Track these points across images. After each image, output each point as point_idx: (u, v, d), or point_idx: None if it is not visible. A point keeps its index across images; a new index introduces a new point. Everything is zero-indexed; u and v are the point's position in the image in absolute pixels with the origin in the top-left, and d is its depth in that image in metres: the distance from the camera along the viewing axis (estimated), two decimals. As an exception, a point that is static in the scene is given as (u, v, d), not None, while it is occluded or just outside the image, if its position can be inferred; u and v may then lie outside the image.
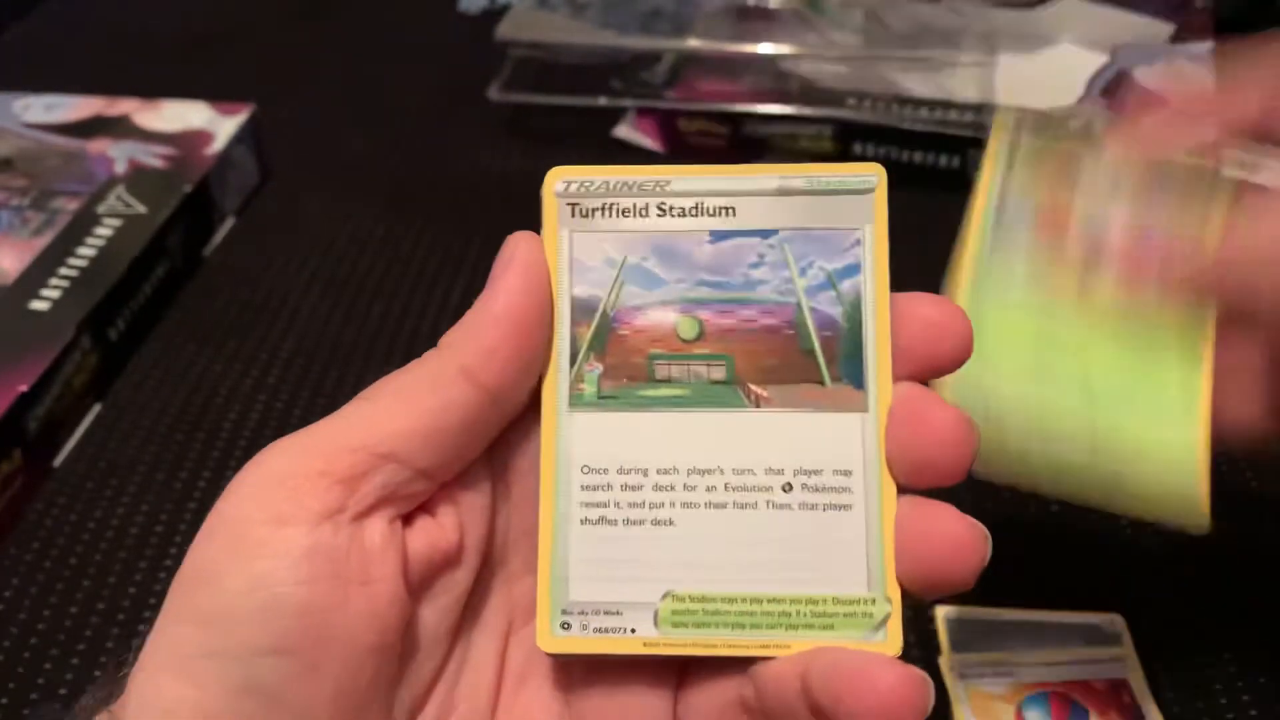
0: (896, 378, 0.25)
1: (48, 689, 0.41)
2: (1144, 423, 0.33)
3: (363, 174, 0.69)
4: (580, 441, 0.26)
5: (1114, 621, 0.42)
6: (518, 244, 0.26)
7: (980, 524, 0.24)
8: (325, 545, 0.23)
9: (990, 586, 0.46)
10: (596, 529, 0.26)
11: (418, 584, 0.25)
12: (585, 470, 0.26)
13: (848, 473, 0.25)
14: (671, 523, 0.25)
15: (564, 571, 0.25)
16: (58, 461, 0.50)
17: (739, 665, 0.25)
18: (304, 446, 0.24)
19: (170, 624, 0.24)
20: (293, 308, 0.59)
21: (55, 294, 0.53)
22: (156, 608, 0.44)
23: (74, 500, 0.48)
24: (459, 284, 0.60)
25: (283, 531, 0.23)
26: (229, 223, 0.65)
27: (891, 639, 0.25)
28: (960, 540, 0.24)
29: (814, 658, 0.24)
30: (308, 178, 0.69)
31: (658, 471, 0.26)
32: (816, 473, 0.25)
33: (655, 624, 0.25)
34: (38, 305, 0.52)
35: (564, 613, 0.25)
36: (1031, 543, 0.46)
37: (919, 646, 0.42)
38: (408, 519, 0.25)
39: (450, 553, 0.25)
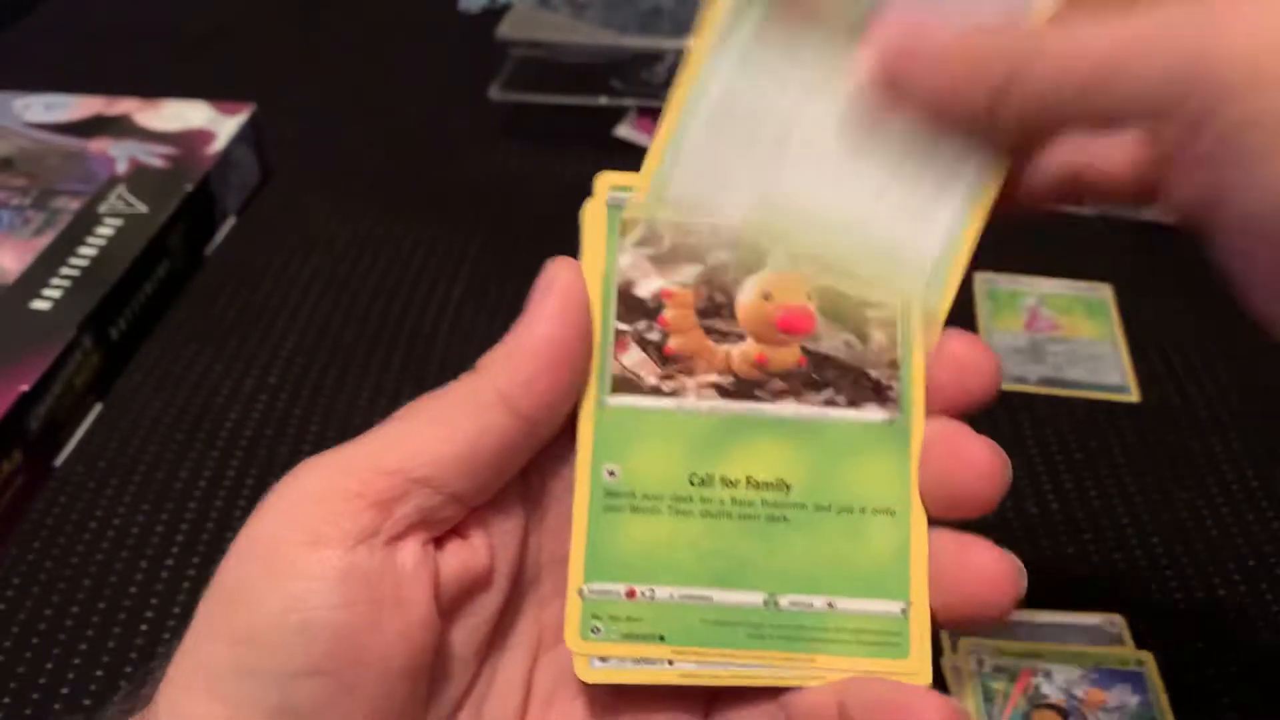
0: (927, 413, 0.26)
1: (49, 689, 0.41)
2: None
3: (363, 174, 0.69)
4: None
5: (1114, 622, 0.42)
6: (558, 270, 0.26)
7: (1015, 558, 0.25)
8: (361, 568, 0.23)
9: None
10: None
11: (449, 606, 0.25)
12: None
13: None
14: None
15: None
16: (59, 461, 0.50)
17: (770, 691, 0.25)
18: (338, 467, 0.24)
19: (202, 641, 0.24)
20: (293, 307, 0.59)
21: (56, 293, 0.53)
22: (158, 608, 0.44)
23: (75, 500, 0.48)
24: (459, 284, 0.60)
25: (318, 553, 0.23)
26: (230, 222, 0.65)
27: (923, 667, 0.25)
28: (996, 575, 0.24)
29: (852, 688, 0.24)
30: (308, 177, 0.69)
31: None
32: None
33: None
34: (39, 305, 0.52)
35: None
36: (1032, 542, 0.46)
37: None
38: (439, 541, 0.25)
39: (481, 575, 0.26)
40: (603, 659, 0.25)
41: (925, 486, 0.25)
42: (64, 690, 0.41)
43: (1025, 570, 0.25)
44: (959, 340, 0.26)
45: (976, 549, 0.25)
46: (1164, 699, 0.40)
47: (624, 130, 0.70)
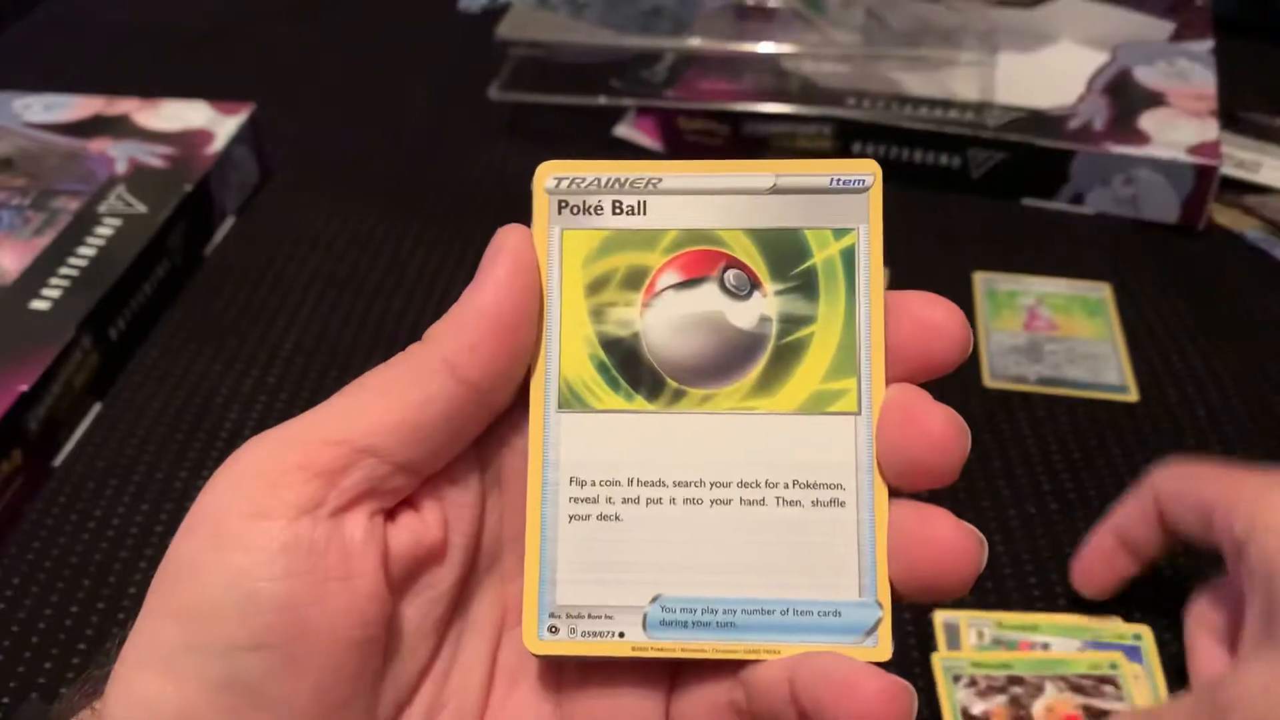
0: (889, 379, 0.25)
1: (48, 689, 0.41)
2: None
3: (363, 174, 0.69)
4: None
5: (1114, 623, 0.42)
6: (506, 236, 0.25)
7: (976, 529, 0.24)
8: (304, 539, 0.23)
9: (989, 587, 0.46)
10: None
11: (400, 579, 0.25)
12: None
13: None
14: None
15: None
16: (58, 461, 0.50)
17: (730, 668, 0.25)
18: (282, 440, 0.24)
19: (150, 619, 0.24)
20: (293, 308, 0.59)
21: (56, 293, 0.53)
22: (157, 607, 0.44)
23: (74, 500, 0.48)
24: (459, 284, 0.60)
25: (260, 525, 0.23)
26: (229, 222, 0.65)
27: (882, 644, 0.25)
28: (955, 547, 0.24)
29: (802, 662, 0.24)
30: (308, 178, 0.69)
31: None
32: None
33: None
34: (38, 305, 0.52)
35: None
36: (1031, 542, 0.46)
37: (918, 649, 0.42)
38: (391, 514, 0.25)
39: (434, 548, 0.25)
40: (553, 630, 0.25)
41: (881, 457, 0.25)
42: (63, 690, 0.41)
43: (986, 542, 0.24)
44: (921, 301, 0.25)
45: (936, 521, 0.24)
46: (1160, 673, 0.40)
47: (624, 130, 0.70)
